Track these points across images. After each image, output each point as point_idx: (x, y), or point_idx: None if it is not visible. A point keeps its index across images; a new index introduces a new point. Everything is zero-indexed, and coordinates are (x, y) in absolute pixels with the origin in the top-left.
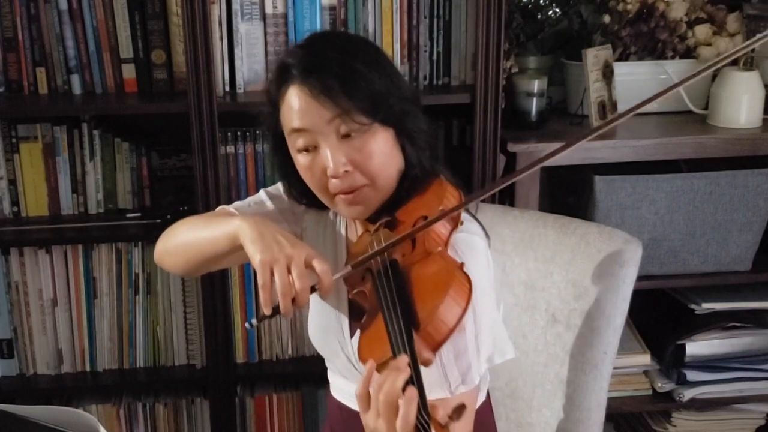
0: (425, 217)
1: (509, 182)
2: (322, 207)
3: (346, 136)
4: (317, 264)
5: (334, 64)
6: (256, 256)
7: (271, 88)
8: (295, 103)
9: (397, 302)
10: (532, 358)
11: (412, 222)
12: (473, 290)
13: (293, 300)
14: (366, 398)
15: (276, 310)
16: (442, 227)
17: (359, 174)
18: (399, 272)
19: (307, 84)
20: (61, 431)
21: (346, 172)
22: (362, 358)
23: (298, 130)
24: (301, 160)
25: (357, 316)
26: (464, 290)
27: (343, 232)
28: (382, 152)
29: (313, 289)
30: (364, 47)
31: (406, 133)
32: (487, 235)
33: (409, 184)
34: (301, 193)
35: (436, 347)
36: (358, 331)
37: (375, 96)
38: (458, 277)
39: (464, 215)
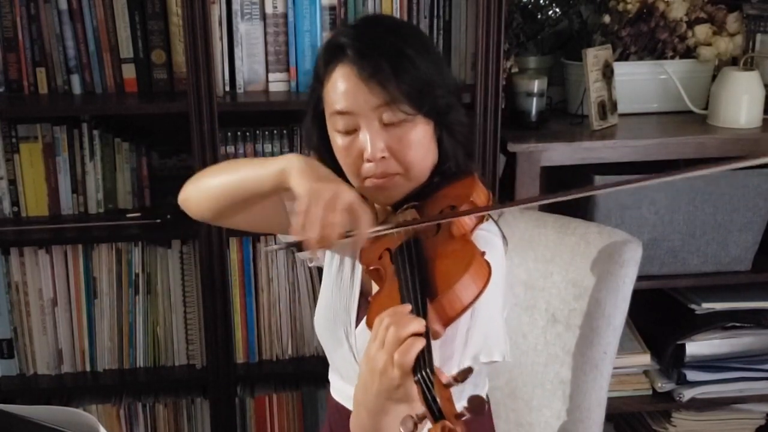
0: (453, 207)
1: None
2: None
3: (389, 124)
4: (362, 210)
5: (387, 47)
6: (303, 183)
7: (319, 64)
8: (342, 84)
9: (416, 273)
10: (532, 358)
11: (440, 209)
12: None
13: (323, 238)
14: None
15: (299, 244)
16: (467, 218)
17: (395, 162)
18: (421, 248)
19: (359, 66)
20: (61, 431)
21: (382, 158)
22: (369, 323)
23: (341, 113)
24: (338, 141)
25: (366, 307)
26: (483, 273)
27: None
28: (421, 144)
29: (347, 235)
30: (414, 33)
31: (447, 127)
32: (505, 240)
33: (441, 177)
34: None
35: (446, 322)
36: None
37: (423, 85)
38: (479, 260)
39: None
